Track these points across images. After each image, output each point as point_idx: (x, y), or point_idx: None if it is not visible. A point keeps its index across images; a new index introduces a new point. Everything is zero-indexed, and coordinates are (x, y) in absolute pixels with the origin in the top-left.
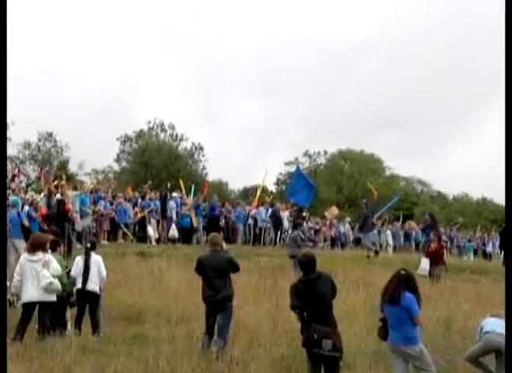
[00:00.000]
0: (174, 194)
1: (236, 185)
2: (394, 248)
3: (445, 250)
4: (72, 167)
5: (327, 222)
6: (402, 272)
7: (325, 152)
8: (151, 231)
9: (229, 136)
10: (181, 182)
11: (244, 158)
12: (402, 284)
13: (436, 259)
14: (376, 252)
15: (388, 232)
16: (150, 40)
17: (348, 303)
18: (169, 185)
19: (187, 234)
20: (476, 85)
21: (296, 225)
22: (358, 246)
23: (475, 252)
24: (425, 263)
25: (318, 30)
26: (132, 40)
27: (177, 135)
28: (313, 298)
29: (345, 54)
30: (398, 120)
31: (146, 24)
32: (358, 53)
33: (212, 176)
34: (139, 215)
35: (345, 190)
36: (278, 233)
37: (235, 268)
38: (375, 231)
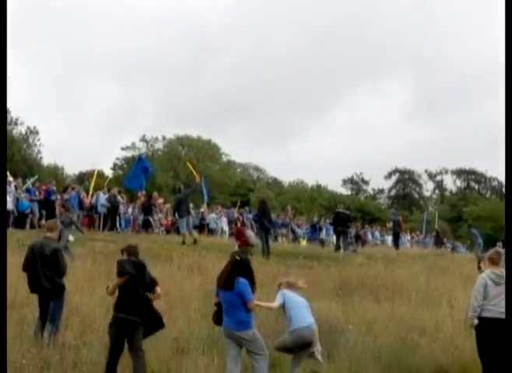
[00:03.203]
0: (10, 179)
1: (78, 169)
2: (231, 234)
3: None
4: None
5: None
6: (237, 257)
7: (163, 138)
8: None
9: (82, 120)
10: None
11: (98, 142)
12: (236, 269)
13: (241, 244)
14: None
15: (224, 219)
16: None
17: (183, 289)
18: (8, 174)
19: (20, 219)
20: (328, 78)
21: (146, 210)
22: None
23: (310, 239)
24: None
25: (178, 15)
26: None
27: (11, 119)
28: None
29: (204, 42)
30: (249, 109)
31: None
32: (217, 41)
33: (48, 159)
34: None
35: (182, 176)
36: (116, 218)
37: (57, 259)
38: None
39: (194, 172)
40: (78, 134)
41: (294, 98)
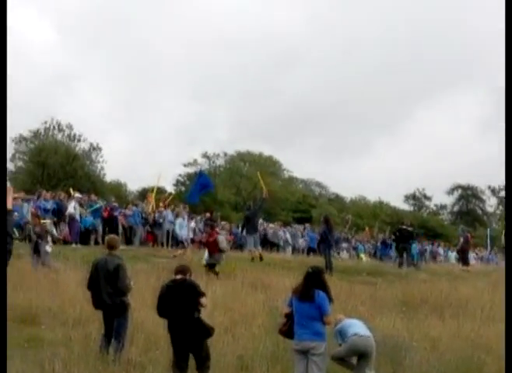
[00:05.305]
0: (77, 195)
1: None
2: (293, 250)
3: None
4: None
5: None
6: (309, 270)
7: (225, 154)
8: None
9: (151, 136)
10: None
11: (165, 157)
12: (313, 281)
13: (210, 248)
14: (261, 258)
15: (288, 234)
16: (76, 36)
17: (247, 305)
18: (71, 191)
19: (84, 235)
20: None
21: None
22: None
23: (374, 254)
24: (206, 254)
25: (251, 30)
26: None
27: (74, 135)
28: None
29: (279, 57)
30: (318, 124)
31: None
32: (291, 56)
33: (111, 176)
34: (41, 221)
35: (244, 192)
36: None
37: (118, 275)
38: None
39: (263, 185)
40: (146, 151)
41: (363, 114)
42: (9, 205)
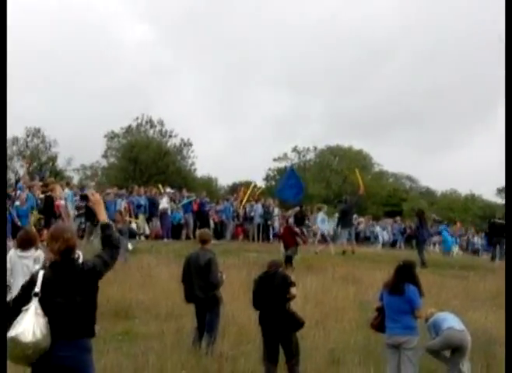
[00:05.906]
0: (168, 190)
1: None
2: (384, 243)
3: (299, 233)
4: (61, 163)
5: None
6: (401, 263)
7: (315, 148)
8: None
9: (248, 130)
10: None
11: (257, 152)
12: (403, 274)
13: (286, 242)
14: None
15: (378, 228)
16: (171, 31)
17: (338, 299)
18: (161, 187)
19: (176, 230)
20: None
21: (299, 221)
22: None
23: (466, 248)
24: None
25: (342, 23)
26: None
27: (166, 131)
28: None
29: (372, 50)
30: (409, 118)
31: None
32: (385, 49)
33: (202, 171)
34: (133, 220)
35: (334, 186)
36: (270, 229)
37: (210, 269)
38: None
39: (360, 182)
40: (240, 145)
41: (453, 106)
42: (104, 217)
